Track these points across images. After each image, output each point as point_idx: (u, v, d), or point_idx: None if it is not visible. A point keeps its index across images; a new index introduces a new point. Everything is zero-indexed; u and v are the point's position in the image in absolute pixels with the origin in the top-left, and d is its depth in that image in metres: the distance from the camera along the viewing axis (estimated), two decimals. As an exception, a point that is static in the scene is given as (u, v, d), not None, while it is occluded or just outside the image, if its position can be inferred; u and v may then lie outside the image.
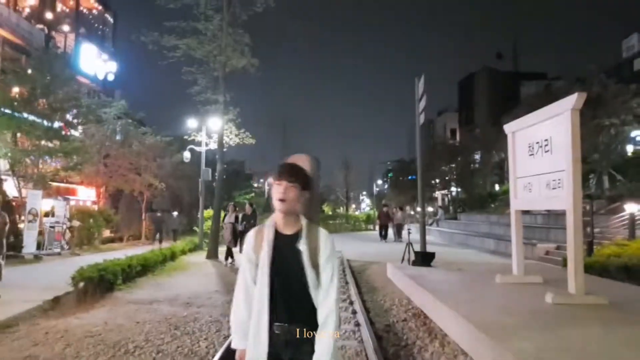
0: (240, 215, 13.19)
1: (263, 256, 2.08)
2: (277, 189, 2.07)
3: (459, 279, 6.82)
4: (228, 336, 5.56)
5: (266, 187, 56.60)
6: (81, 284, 7.65)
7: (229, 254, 12.69)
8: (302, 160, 2.25)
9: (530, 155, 5.71)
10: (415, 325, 5.77)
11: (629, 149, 22.92)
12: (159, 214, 21.37)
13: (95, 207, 22.37)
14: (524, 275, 6.05)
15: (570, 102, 4.80)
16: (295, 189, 2.06)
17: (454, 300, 4.88)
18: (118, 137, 22.86)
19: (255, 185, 56.06)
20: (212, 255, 14.27)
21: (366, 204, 73.70)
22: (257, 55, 15.79)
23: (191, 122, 18.98)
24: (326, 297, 2.06)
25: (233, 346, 2.15)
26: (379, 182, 67.52)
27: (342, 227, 36.64)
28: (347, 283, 8.86)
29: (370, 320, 6.15)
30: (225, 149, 16.27)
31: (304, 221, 2.14)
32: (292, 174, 2.07)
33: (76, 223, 16.36)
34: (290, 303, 2.07)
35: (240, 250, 11.97)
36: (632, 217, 11.93)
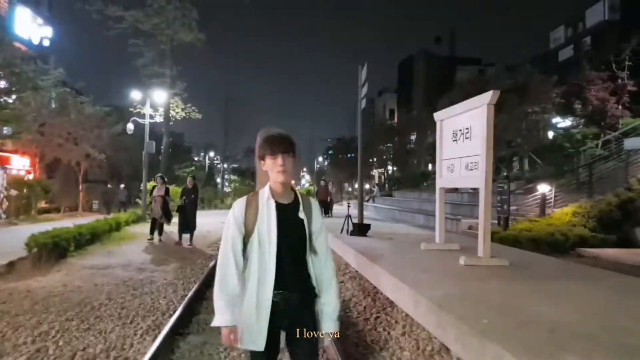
0: (179, 189, 12.39)
1: (267, 227, 2.09)
2: (274, 162, 2.11)
3: (390, 246, 7.77)
4: (185, 296, 6.17)
5: (207, 161, 56.08)
6: (34, 250, 7.92)
7: (160, 228, 11.79)
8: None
9: (454, 140, 6.62)
10: (351, 286, 6.63)
11: (550, 134, 24.95)
12: (109, 186, 21.21)
13: (30, 177, 21.76)
14: (444, 243, 7.06)
15: (486, 98, 5.67)
16: (291, 159, 2.13)
17: (384, 262, 5.76)
18: (54, 106, 22.10)
19: (196, 158, 55.41)
20: (156, 226, 14.52)
21: (306, 180, 74.78)
22: (204, 28, 15.97)
23: (135, 94, 18.78)
24: (327, 263, 2.23)
25: (220, 324, 2.04)
26: (320, 159, 68.68)
27: (283, 202, 37.33)
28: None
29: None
30: (171, 123, 16.45)
31: (295, 190, 2.23)
32: (287, 144, 2.13)
33: (13, 192, 16.03)
34: (289, 271, 2.10)
35: (185, 228, 11.30)
36: (543, 197, 13.47)
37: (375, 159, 40.09)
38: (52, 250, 8.08)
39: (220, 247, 2.15)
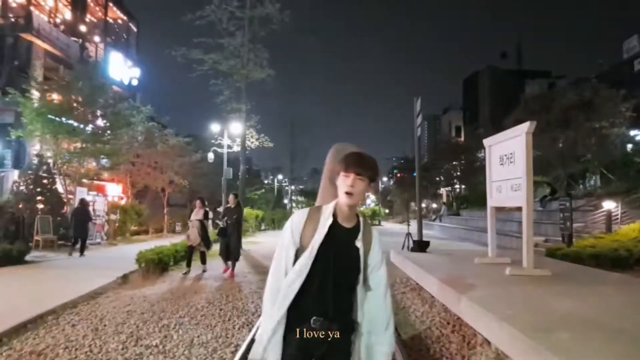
0: (220, 210, 10.67)
1: (314, 243, 1.96)
2: (344, 181, 1.96)
3: (446, 260, 8.60)
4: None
5: (275, 184, 58.35)
6: (143, 264, 9.47)
7: (203, 257, 10.45)
8: (354, 150, 2.27)
9: (501, 164, 7.41)
10: (412, 296, 7.50)
11: (629, 147, 24.14)
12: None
13: (122, 202, 24.37)
14: (496, 257, 7.79)
15: (525, 127, 6.45)
16: (363, 183, 1.97)
17: (438, 272, 6.62)
18: (140, 138, 24.77)
19: (265, 181, 57.88)
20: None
21: (371, 199, 75.39)
22: (272, 64, 17.64)
23: (214, 127, 20.86)
24: (385, 300, 2.05)
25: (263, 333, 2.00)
26: (385, 178, 69.32)
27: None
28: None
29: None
30: (247, 151, 18.20)
31: (360, 216, 2.07)
32: (362, 166, 1.97)
33: (114, 217, 18.26)
34: (335, 298, 1.95)
35: (226, 254, 10.17)
36: (609, 213, 13.53)
37: (442, 178, 40.23)
38: (157, 265, 9.60)
39: (274, 255, 2.08)
